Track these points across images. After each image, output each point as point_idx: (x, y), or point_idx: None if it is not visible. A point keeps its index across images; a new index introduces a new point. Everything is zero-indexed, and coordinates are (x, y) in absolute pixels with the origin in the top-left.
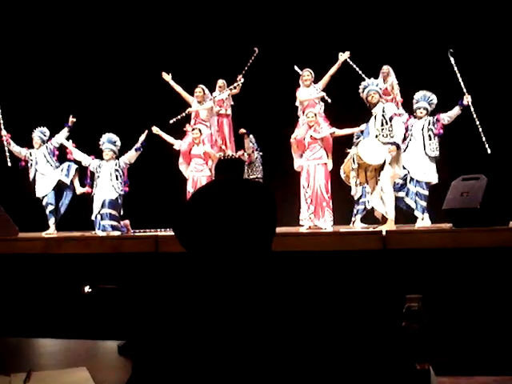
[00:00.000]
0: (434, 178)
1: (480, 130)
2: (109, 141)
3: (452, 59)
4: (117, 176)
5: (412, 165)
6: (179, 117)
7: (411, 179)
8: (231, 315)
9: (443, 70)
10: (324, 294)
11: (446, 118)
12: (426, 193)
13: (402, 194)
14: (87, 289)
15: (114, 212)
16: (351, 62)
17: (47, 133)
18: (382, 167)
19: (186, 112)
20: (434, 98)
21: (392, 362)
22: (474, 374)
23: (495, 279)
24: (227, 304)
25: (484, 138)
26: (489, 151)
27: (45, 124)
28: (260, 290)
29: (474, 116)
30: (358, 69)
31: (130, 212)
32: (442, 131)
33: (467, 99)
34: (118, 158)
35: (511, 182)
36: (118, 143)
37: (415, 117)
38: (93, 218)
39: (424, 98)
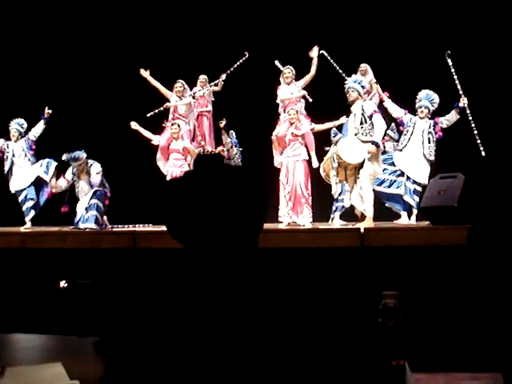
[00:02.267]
0: (425, 180)
1: (475, 132)
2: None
3: (449, 61)
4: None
5: (409, 163)
6: (157, 111)
7: (408, 177)
8: (211, 312)
9: (440, 70)
10: (301, 290)
11: (445, 121)
12: (420, 189)
13: (396, 190)
14: (63, 284)
15: (100, 204)
16: (332, 61)
17: (25, 125)
18: (361, 165)
19: (165, 106)
20: (437, 98)
21: (367, 359)
22: (450, 371)
23: (472, 276)
24: (208, 301)
25: (479, 141)
26: (483, 154)
27: (21, 116)
28: (243, 286)
29: (470, 118)
30: (338, 67)
31: (108, 207)
32: (441, 134)
33: (463, 101)
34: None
35: (489, 180)
36: None
37: (416, 115)
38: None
39: (426, 97)
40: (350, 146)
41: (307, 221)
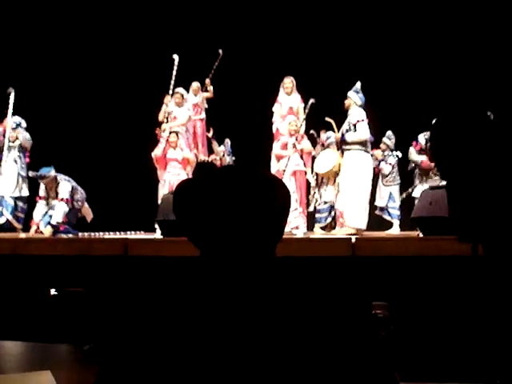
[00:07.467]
0: None
1: None
2: None
3: None
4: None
5: None
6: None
7: None
8: (211, 322)
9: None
10: (290, 299)
11: None
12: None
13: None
14: (53, 292)
15: (57, 215)
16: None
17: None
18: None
19: (168, 129)
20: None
21: (359, 367)
22: (440, 381)
23: (462, 287)
24: (209, 309)
25: None
26: None
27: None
28: (256, 296)
29: None
30: None
31: (100, 214)
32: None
33: None
34: None
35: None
36: None
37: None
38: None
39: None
40: (322, 157)
41: (302, 230)
